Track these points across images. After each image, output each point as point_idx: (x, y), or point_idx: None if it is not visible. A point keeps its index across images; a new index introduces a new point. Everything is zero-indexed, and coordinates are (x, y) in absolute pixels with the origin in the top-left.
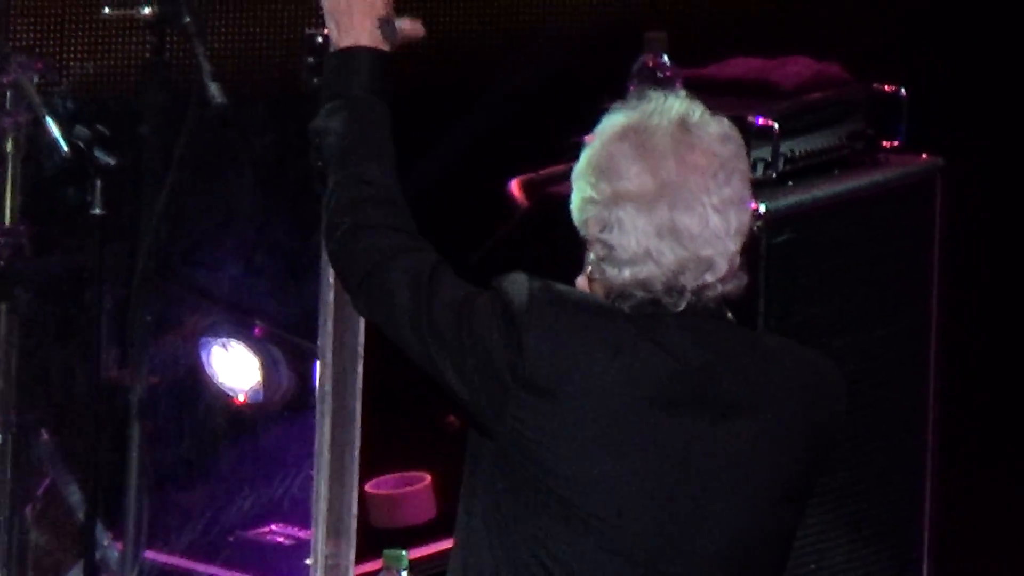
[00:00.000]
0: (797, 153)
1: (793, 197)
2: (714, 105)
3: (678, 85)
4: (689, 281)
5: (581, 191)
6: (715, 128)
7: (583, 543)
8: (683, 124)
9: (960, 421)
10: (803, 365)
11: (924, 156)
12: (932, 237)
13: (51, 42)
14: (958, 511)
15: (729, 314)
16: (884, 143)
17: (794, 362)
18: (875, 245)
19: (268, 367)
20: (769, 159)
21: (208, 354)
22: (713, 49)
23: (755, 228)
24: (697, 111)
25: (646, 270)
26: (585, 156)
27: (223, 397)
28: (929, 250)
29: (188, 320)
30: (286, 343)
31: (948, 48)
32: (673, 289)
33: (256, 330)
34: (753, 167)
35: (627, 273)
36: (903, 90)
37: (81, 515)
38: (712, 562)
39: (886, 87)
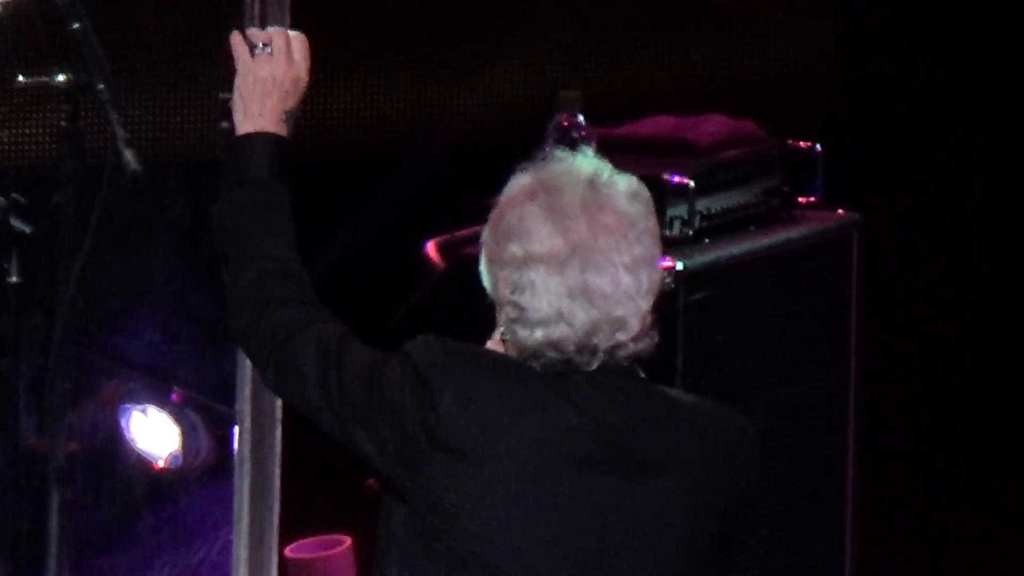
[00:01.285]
0: (713, 210)
1: (710, 254)
2: (630, 164)
3: (593, 144)
4: (602, 341)
5: (491, 253)
6: (624, 187)
7: None
8: (592, 184)
9: (880, 478)
10: (717, 423)
11: (840, 212)
12: (849, 292)
13: None
14: (879, 568)
15: (642, 372)
16: (800, 199)
17: (708, 420)
18: (793, 301)
19: (187, 433)
20: (685, 217)
21: (127, 420)
22: (628, 107)
23: (672, 286)
24: (606, 170)
25: (558, 331)
26: (495, 217)
27: (142, 463)
28: (847, 305)
29: (106, 387)
30: (204, 409)
31: (862, 103)
32: (585, 349)
33: (174, 396)
34: (669, 225)
35: (539, 334)
36: (818, 146)
37: None
38: None
39: (801, 143)
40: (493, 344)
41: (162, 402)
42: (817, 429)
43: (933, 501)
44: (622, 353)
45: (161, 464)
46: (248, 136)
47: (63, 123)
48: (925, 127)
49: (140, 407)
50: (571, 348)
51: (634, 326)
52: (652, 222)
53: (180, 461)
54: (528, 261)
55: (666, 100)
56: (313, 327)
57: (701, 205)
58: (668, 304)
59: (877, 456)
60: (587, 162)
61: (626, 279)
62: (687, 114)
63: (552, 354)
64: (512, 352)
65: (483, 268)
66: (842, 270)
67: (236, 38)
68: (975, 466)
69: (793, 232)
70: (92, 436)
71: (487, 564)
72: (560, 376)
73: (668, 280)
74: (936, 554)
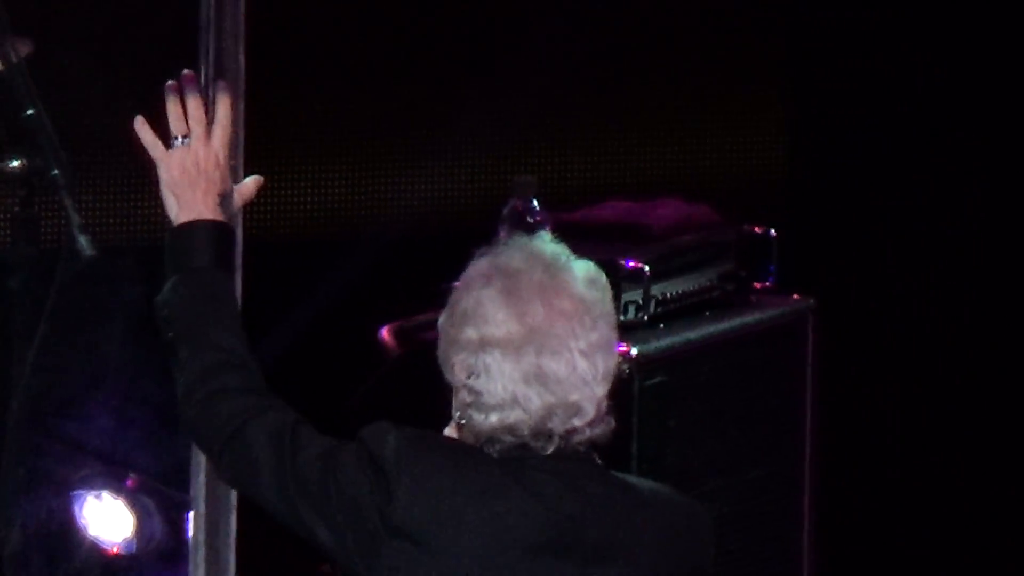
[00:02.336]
0: (669, 295)
1: (665, 340)
2: (585, 248)
3: (548, 229)
4: (557, 426)
5: (448, 337)
6: (582, 272)
7: None
8: (549, 269)
9: (836, 562)
10: (672, 509)
11: (795, 296)
12: (804, 377)
13: None
14: None
15: (598, 458)
16: (755, 284)
17: (663, 506)
18: (748, 386)
19: (141, 518)
20: (640, 302)
21: (81, 506)
22: (583, 192)
23: (627, 370)
24: (563, 255)
25: (513, 415)
26: (452, 302)
27: (96, 549)
28: (802, 390)
29: (61, 472)
30: (159, 494)
31: (816, 188)
32: (541, 434)
33: (129, 481)
34: (624, 310)
35: (494, 418)
36: (772, 231)
37: None
38: None
39: (756, 228)
40: (450, 430)
41: (116, 487)
42: (772, 514)
43: None
44: (578, 438)
45: (115, 550)
46: (188, 225)
47: (17, 208)
48: (878, 213)
49: (94, 492)
50: (526, 433)
51: (589, 411)
52: (609, 307)
53: (134, 547)
54: (484, 345)
55: (620, 185)
56: (265, 416)
57: (656, 290)
58: (623, 389)
59: (833, 540)
60: (545, 246)
61: (582, 364)
62: (642, 199)
63: (507, 438)
64: (468, 436)
65: (440, 352)
66: (797, 354)
67: (145, 132)
68: (932, 550)
69: (748, 317)
70: (46, 522)
71: None
72: (516, 461)
73: (624, 365)
74: None
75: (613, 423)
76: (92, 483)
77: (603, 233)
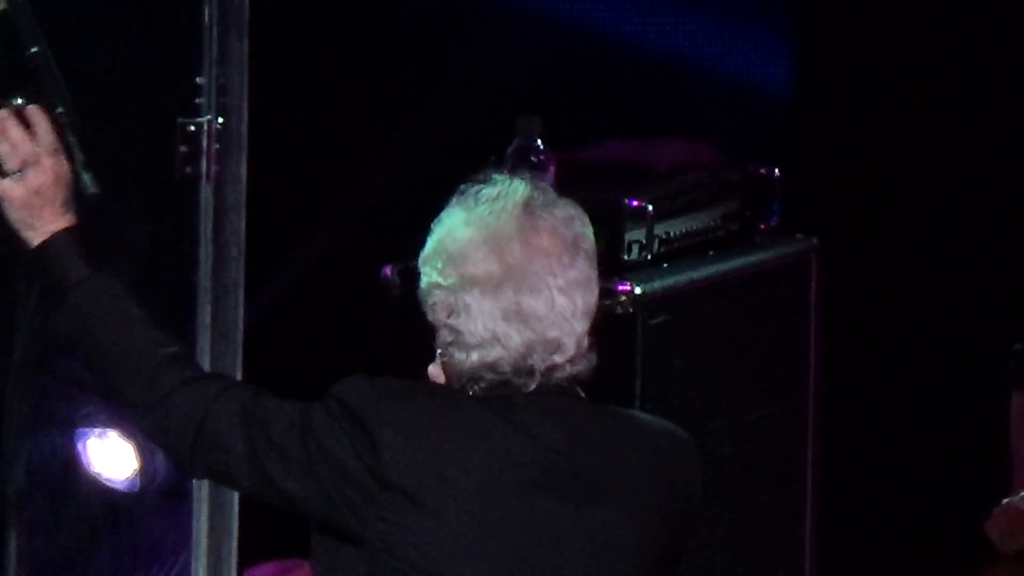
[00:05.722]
0: (672, 235)
1: (668, 279)
2: (589, 188)
3: (552, 168)
4: (537, 363)
5: (428, 276)
6: (560, 210)
7: None
8: (528, 207)
9: (839, 502)
10: (659, 438)
11: (799, 236)
12: (808, 317)
13: None
14: None
15: (582, 393)
16: (759, 224)
17: (652, 436)
18: (752, 326)
19: (144, 456)
20: (644, 241)
21: (84, 444)
22: (587, 132)
23: (630, 310)
24: (542, 194)
25: (493, 353)
26: (432, 241)
27: (100, 487)
28: (806, 330)
29: (64, 411)
30: None
31: (820, 127)
32: (522, 371)
33: None
34: (628, 249)
35: (475, 357)
36: (776, 171)
37: None
38: None
39: (760, 168)
40: (435, 368)
41: (120, 425)
42: (776, 453)
43: (893, 524)
44: (559, 375)
45: (119, 488)
46: (44, 244)
47: None
48: (884, 151)
49: (97, 431)
50: (508, 370)
51: (570, 348)
52: (589, 244)
53: (137, 485)
54: (463, 284)
55: (624, 125)
56: (222, 401)
57: (660, 229)
58: (627, 328)
59: (836, 480)
60: (524, 186)
61: (561, 301)
62: (646, 138)
63: (489, 376)
64: (451, 374)
65: (421, 292)
66: (801, 294)
67: None
68: (935, 488)
69: (752, 256)
70: (50, 460)
71: None
72: (500, 399)
73: (620, 301)
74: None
75: (595, 359)
76: (95, 421)
77: (607, 172)
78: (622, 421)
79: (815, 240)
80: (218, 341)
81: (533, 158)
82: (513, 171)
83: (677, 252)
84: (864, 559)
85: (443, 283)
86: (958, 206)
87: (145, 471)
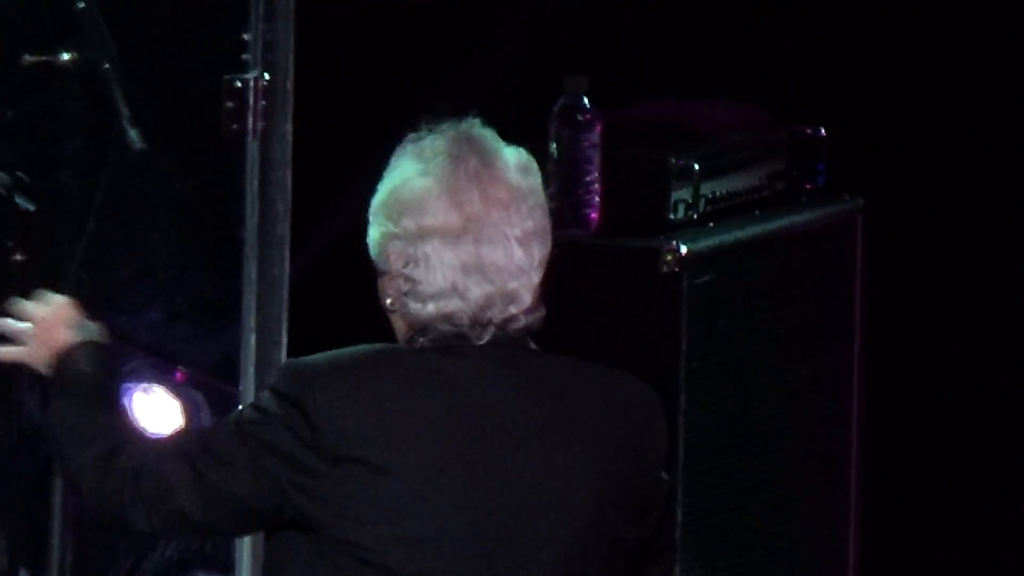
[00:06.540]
0: (718, 194)
1: (714, 238)
2: (635, 146)
3: (598, 127)
4: (495, 315)
5: (383, 226)
6: (514, 159)
7: None
8: (484, 156)
9: (886, 462)
10: (611, 386)
11: (845, 196)
12: (854, 276)
13: None
14: (883, 551)
15: (532, 344)
16: (805, 184)
17: (602, 384)
18: (797, 285)
19: (190, 411)
20: (690, 200)
21: (130, 399)
22: (633, 91)
23: (676, 269)
24: (496, 142)
25: (451, 305)
26: (385, 190)
27: None
28: (851, 289)
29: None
30: (208, 387)
31: (867, 87)
32: (478, 323)
33: (177, 374)
34: (674, 208)
35: (431, 308)
36: (823, 130)
37: (4, 562)
38: None
39: (806, 128)
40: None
41: (165, 381)
42: (820, 413)
43: (937, 486)
44: (514, 326)
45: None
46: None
47: (68, 102)
48: (933, 111)
49: (143, 386)
50: (464, 321)
51: (526, 299)
52: (542, 195)
53: None
54: (422, 234)
55: (671, 83)
56: (159, 444)
57: (706, 188)
58: (672, 287)
59: (880, 440)
60: (475, 131)
61: (519, 252)
62: (692, 97)
63: (445, 327)
64: (401, 325)
65: (372, 240)
66: (846, 254)
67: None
68: (980, 452)
69: (797, 216)
70: None
71: (387, 567)
72: (449, 351)
73: (672, 263)
74: (940, 540)
75: (545, 311)
76: (141, 376)
77: (653, 131)
78: (574, 370)
79: (861, 200)
80: (264, 297)
81: (579, 116)
82: (559, 130)
83: (723, 211)
84: (909, 518)
85: (400, 233)
86: (1010, 166)
87: (190, 426)
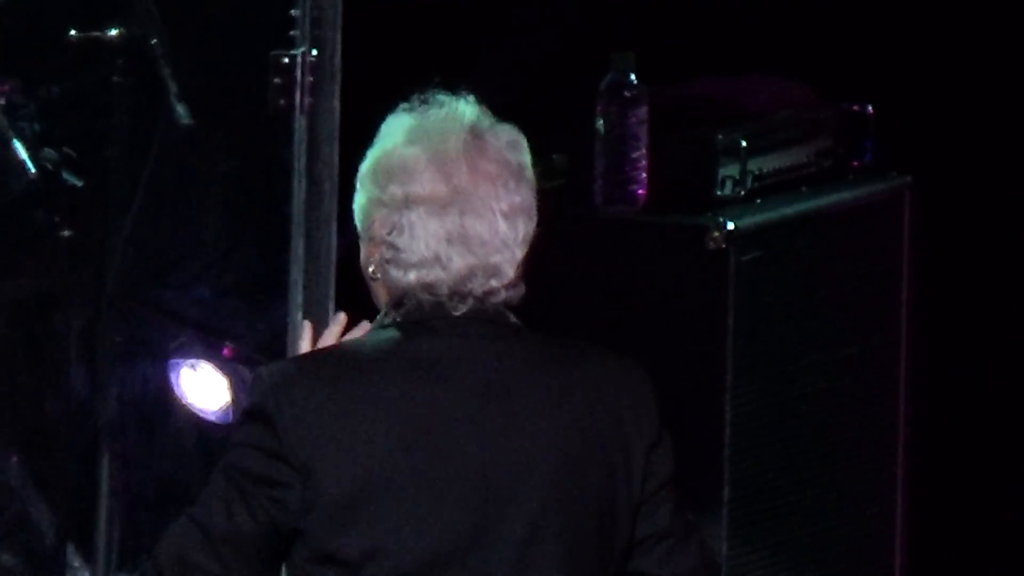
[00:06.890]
0: (765, 171)
1: (761, 215)
2: (682, 123)
3: (645, 104)
4: (476, 287)
5: (369, 192)
6: (505, 136)
7: None
8: (474, 130)
9: (932, 439)
10: (589, 361)
11: (892, 173)
12: (901, 254)
13: (17, 65)
14: (930, 531)
15: (512, 317)
16: (852, 161)
17: (588, 362)
18: (844, 262)
19: (237, 388)
20: (737, 177)
21: (177, 376)
22: (681, 68)
23: (723, 245)
24: (487, 118)
25: (432, 274)
26: (374, 157)
27: (192, 418)
28: (898, 267)
29: (157, 342)
30: (255, 363)
31: (915, 65)
32: (457, 294)
33: (225, 351)
34: (721, 185)
35: (412, 276)
36: (870, 108)
37: (51, 538)
38: None
39: (854, 105)
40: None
41: (213, 357)
42: (867, 391)
43: (985, 466)
44: (494, 299)
45: (211, 419)
46: None
47: (116, 78)
48: (981, 89)
49: (190, 362)
50: (444, 292)
51: (508, 273)
52: (530, 172)
53: (230, 416)
54: (408, 202)
55: (719, 61)
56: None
57: (753, 165)
58: (719, 264)
59: (927, 418)
60: (470, 108)
61: (503, 226)
62: (740, 75)
63: (424, 296)
64: (382, 293)
65: (357, 206)
66: (893, 232)
67: None
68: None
69: (845, 193)
70: (142, 391)
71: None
72: (422, 330)
73: (719, 240)
74: (988, 519)
75: (524, 288)
76: (189, 352)
77: (700, 108)
78: (555, 345)
79: (908, 178)
80: (312, 273)
81: (626, 93)
82: (607, 107)
83: (770, 188)
84: (956, 496)
85: (386, 200)
86: None
87: (238, 403)
